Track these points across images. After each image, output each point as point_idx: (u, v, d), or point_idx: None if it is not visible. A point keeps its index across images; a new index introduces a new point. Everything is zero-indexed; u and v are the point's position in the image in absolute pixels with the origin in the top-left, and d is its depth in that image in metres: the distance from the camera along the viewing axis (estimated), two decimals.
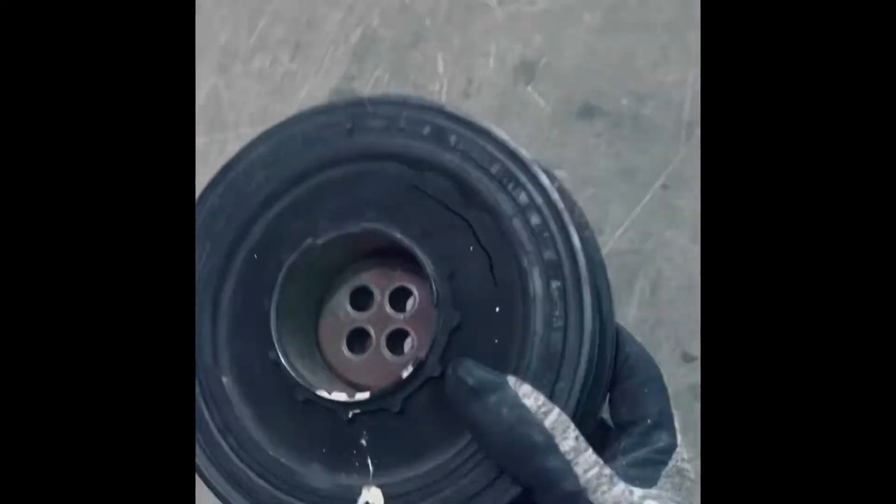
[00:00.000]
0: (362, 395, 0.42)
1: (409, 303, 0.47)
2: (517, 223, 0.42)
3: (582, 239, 0.42)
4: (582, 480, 0.37)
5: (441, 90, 0.80)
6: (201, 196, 0.46)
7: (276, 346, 0.44)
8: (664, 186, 0.78)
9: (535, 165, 0.42)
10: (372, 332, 0.46)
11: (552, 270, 0.41)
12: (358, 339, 0.47)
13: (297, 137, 0.45)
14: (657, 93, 0.77)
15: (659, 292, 0.72)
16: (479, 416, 0.39)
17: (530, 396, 0.39)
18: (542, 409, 0.39)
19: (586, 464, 0.38)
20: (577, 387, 0.40)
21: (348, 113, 0.45)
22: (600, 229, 0.75)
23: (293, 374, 0.43)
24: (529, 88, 0.80)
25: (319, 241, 0.44)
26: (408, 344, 0.46)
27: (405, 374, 0.42)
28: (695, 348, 0.67)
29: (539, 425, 0.38)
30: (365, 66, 0.81)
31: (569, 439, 0.38)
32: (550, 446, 0.38)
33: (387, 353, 0.46)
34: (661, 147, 0.78)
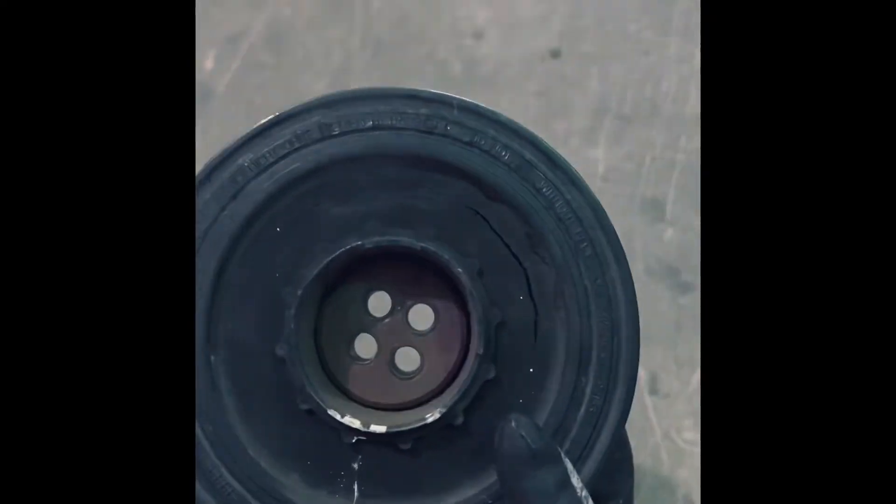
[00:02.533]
0: (378, 428, 0.39)
1: (421, 318, 0.43)
2: (580, 291, 0.39)
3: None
4: None
5: None
6: (237, 147, 0.40)
7: (288, 345, 0.39)
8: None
9: (618, 241, 0.40)
10: (381, 342, 0.42)
11: (604, 353, 0.39)
12: (360, 343, 0.43)
13: (363, 114, 0.40)
14: None
15: None
16: (528, 482, 0.36)
17: (574, 476, 0.37)
18: (584, 494, 0.37)
19: None
20: (597, 474, 0.39)
21: (431, 109, 0.40)
22: None
23: (305, 383, 0.39)
24: None
25: (368, 245, 0.40)
26: (415, 363, 0.43)
27: (430, 418, 0.39)
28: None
29: None
30: None
31: None
32: None
33: (391, 369, 0.42)
34: None
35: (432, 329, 0.42)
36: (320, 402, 0.39)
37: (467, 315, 0.41)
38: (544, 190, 0.40)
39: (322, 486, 0.40)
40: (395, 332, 0.42)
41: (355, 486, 0.40)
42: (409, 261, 0.42)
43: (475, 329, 0.40)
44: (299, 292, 0.39)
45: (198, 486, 0.39)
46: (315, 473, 0.40)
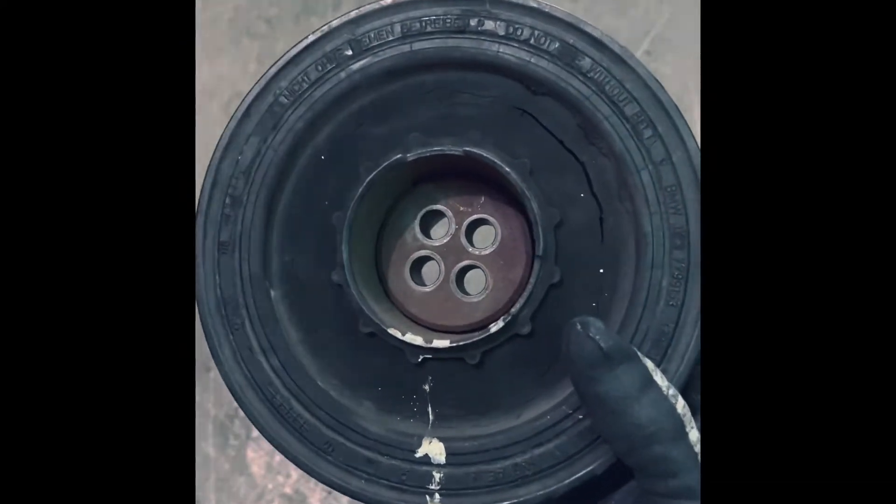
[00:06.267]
0: (441, 343, 0.37)
1: (481, 235, 0.41)
2: (646, 178, 0.36)
3: None
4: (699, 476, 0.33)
5: None
6: (272, 77, 0.39)
7: (346, 270, 0.38)
8: (647, 53, 0.73)
9: (682, 117, 0.36)
10: (441, 263, 0.41)
11: (678, 240, 0.36)
12: (422, 267, 0.42)
13: (393, 25, 0.38)
14: None
15: None
16: (604, 386, 0.33)
17: (657, 374, 0.34)
18: (671, 393, 0.34)
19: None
20: (685, 374, 0.36)
21: (461, 7, 0.38)
22: None
23: (362, 304, 0.38)
24: None
25: (410, 157, 0.38)
26: (479, 282, 0.41)
27: (494, 328, 0.37)
28: None
29: (671, 410, 0.33)
30: None
31: (695, 430, 0.34)
32: (680, 434, 0.33)
33: (455, 290, 0.40)
34: (641, 9, 0.73)
35: (493, 244, 0.40)
36: (379, 323, 0.37)
37: (530, 225, 0.39)
38: (592, 74, 0.37)
39: (395, 412, 0.38)
40: (454, 253, 0.40)
41: (429, 410, 0.38)
42: (460, 176, 0.40)
43: (539, 233, 0.37)
44: (347, 214, 0.38)
45: (268, 417, 0.38)
46: (387, 399, 0.38)
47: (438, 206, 0.41)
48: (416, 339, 0.38)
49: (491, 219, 0.40)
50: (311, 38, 0.39)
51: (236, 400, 0.39)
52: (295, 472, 0.61)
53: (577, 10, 0.74)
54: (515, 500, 0.37)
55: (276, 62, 0.39)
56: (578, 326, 0.34)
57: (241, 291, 0.39)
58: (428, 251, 0.41)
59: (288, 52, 0.39)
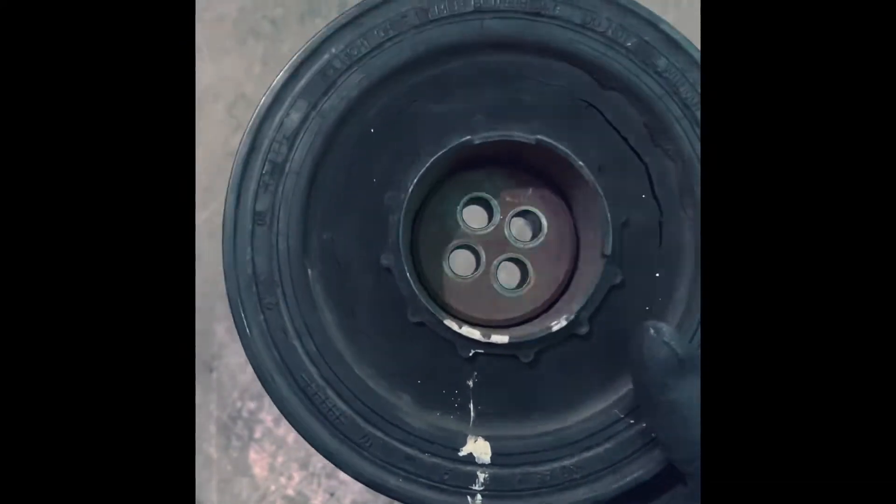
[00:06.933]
0: (500, 339, 0.36)
1: (521, 228, 0.40)
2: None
3: None
4: None
5: None
6: (327, 37, 0.36)
7: (401, 255, 0.35)
8: None
9: None
10: (483, 254, 0.39)
11: None
12: (461, 256, 0.40)
13: (466, 3, 0.36)
14: None
15: None
16: (676, 393, 0.33)
17: None
18: None
19: None
20: None
21: None
22: None
23: (417, 292, 0.35)
24: None
25: (477, 141, 0.36)
26: (513, 276, 0.40)
27: (556, 326, 0.36)
28: None
29: None
30: None
31: None
32: None
33: (495, 283, 0.39)
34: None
35: (537, 238, 0.39)
36: (435, 314, 0.35)
37: (575, 222, 0.38)
38: (667, 74, 0.36)
39: (435, 407, 0.36)
40: (497, 244, 0.39)
41: (471, 406, 0.36)
42: (508, 165, 0.38)
43: (600, 229, 0.36)
44: (404, 196, 0.35)
45: (299, 406, 0.35)
46: (427, 393, 0.36)
47: (483, 194, 0.39)
48: (473, 333, 0.36)
49: (539, 212, 0.39)
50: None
51: (264, 386, 0.36)
52: (297, 474, 0.60)
53: None
54: None
55: (333, 22, 0.36)
56: (652, 331, 0.33)
57: (276, 268, 0.35)
58: (470, 241, 0.39)
59: (347, 11, 0.36)
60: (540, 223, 0.39)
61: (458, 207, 0.39)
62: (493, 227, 0.39)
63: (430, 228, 0.39)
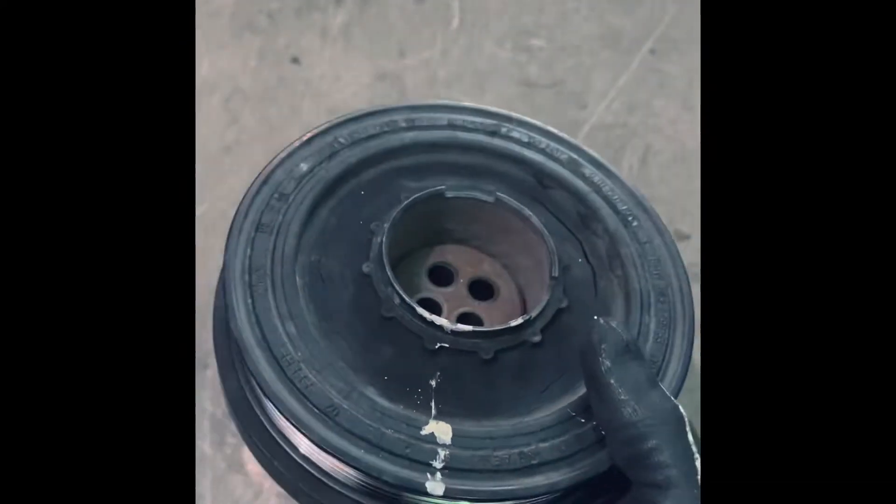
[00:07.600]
0: (464, 327, 0.40)
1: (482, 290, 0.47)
2: (634, 249, 0.45)
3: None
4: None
5: None
6: (336, 124, 0.47)
7: (373, 263, 0.42)
8: (652, 51, 0.73)
9: (660, 220, 0.47)
10: (444, 306, 0.45)
11: (662, 297, 0.43)
12: (426, 306, 0.44)
13: (441, 116, 0.49)
14: None
15: (648, 167, 0.66)
16: (619, 374, 0.35)
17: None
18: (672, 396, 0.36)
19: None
20: (672, 391, 0.41)
21: (496, 119, 0.49)
22: (583, 103, 0.69)
23: (395, 284, 0.40)
24: None
25: (449, 194, 0.45)
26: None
27: (514, 323, 0.40)
28: (687, 226, 0.63)
29: (675, 407, 0.35)
30: None
31: (691, 433, 0.35)
32: (680, 430, 0.34)
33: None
34: (647, 7, 0.73)
35: (493, 300, 0.46)
36: (409, 302, 0.40)
37: (521, 289, 0.46)
38: (592, 178, 0.48)
39: (399, 401, 0.38)
40: (457, 299, 0.46)
41: (432, 404, 0.39)
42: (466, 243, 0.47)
43: (547, 260, 0.43)
44: (387, 224, 0.42)
45: (276, 381, 0.37)
46: (391, 390, 0.39)
47: (445, 262, 0.47)
48: (441, 321, 0.40)
49: (493, 281, 0.47)
50: (376, 107, 0.48)
51: (245, 356, 0.38)
52: None
53: (582, 8, 0.74)
54: (518, 487, 0.36)
55: (342, 116, 0.47)
56: (601, 320, 0.36)
57: (269, 263, 0.41)
58: (433, 295, 0.46)
59: (354, 112, 0.48)
60: (494, 289, 0.47)
61: (423, 271, 0.46)
62: (453, 288, 0.46)
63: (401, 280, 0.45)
